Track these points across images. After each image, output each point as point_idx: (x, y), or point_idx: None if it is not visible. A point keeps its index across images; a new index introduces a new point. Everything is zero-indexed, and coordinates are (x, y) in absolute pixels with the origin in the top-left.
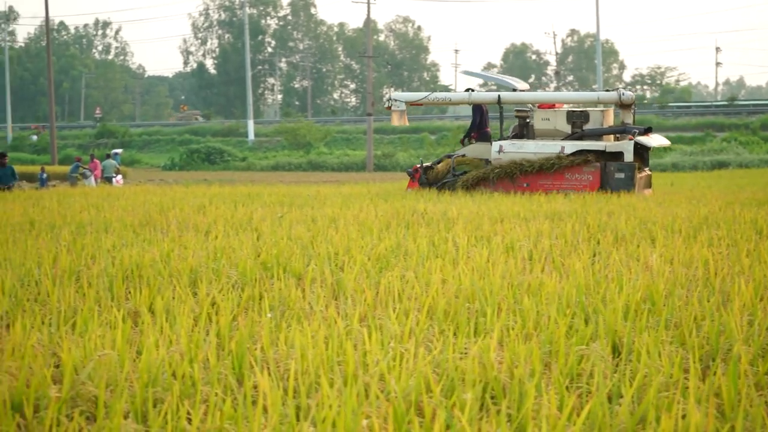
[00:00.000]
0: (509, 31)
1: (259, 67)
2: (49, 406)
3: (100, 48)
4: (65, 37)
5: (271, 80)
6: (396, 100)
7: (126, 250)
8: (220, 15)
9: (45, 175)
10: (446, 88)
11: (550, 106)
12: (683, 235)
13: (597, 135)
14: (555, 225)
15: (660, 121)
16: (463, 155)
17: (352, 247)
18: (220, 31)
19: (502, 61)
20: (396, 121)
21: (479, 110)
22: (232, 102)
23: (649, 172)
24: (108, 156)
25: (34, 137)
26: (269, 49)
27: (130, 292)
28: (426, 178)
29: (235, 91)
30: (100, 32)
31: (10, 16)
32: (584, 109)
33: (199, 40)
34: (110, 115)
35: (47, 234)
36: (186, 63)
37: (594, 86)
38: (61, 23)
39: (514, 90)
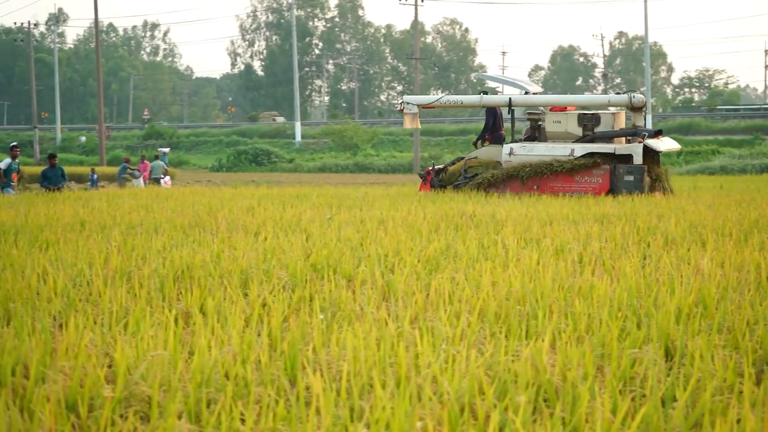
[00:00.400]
0: (557, 33)
1: (307, 68)
2: (103, 405)
3: (148, 50)
4: (114, 38)
5: (318, 82)
6: (408, 103)
7: (176, 250)
8: (267, 17)
9: (95, 176)
10: (494, 91)
11: (561, 108)
12: (734, 238)
13: (608, 138)
14: (604, 228)
15: (708, 124)
16: (476, 157)
17: (401, 249)
18: (267, 33)
19: (549, 63)
20: (408, 123)
21: (493, 113)
22: (280, 104)
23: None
24: (156, 157)
25: (83, 138)
26: (316, 51)
27: (181, 293)
28: (438, 180)
29: (283, 92)
30: (148, 34)
31: (59, 17)
32: (595, 112)
33: (247, 42)
34: (158, 117)
35: (98, 235)
36: (233, 64)
37: (642, 89)
38: (110, 25)
39: (526, 93)
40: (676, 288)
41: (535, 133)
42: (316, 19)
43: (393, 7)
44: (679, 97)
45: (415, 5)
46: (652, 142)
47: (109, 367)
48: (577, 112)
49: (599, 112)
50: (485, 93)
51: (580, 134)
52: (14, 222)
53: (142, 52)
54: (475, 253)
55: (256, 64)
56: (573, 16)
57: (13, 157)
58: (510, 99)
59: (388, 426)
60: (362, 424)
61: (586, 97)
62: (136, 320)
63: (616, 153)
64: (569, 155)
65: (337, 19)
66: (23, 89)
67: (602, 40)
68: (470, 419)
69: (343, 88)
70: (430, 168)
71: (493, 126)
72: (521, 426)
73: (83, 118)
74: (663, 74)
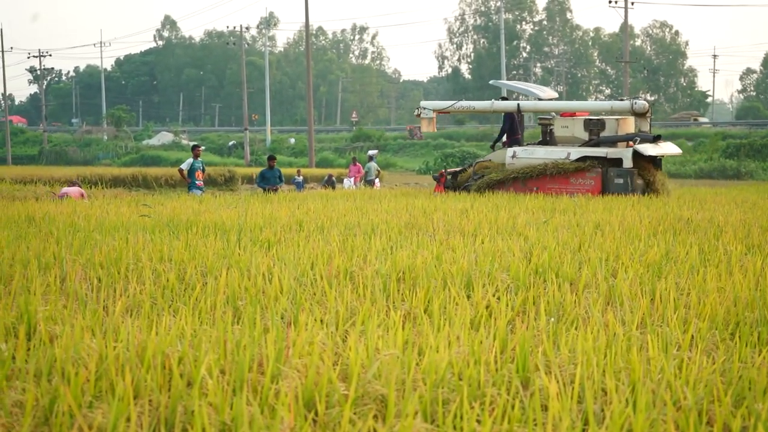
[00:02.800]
0: None
1: (514, 71)
2: (341, 403)
3: (356, 53)
4: (323, 42)
5: None
6: (425, 108)
7: (397, 252)
8: (475, 20)
9: (301, 178)
10: (704, 95)
11: (571, 114)
12: None
13: (611, 142)
14: None
15: None
16: (489, 160)
17: (621, 253)
18: (475, 36)
19: (761, 67)
20: (425, 127)
21: (510, 118)
22: None
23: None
24: (370, 158)
25: (292, 140)
26: (524, 54)
27: (404, 294)
28: (453, 182)
29: (490, 95)
30: (357, 37)
31: (270, 21)
32: (600, 117)
33: (455, 45)
34: (366, 119)
35: (317, 235)
36: (441, 68)
37: None
38: (320, 28)
39: (539, 99)
40: None
41: (546, 137)
42: (524, 22)
43: (602, 10)
44: None
45: (625, 8)
46: (641, 147)
47: (338, 365)
48: (584, 117)
49: (604, 117)
50: (505, 99)
51: (587, 138)
52: (235, 222)
53: (351, 55)
54: (696, 259)
55: (464, 68)
56: None
57: (196, 156)
58: (518, 105)
59: (630, 431)
60: (603, 429)
61: (590, 104)
62: (363, 320)
63: (608, 157)
64: (565, 158)
65: (545, 22)
66: (234, 92)
67: None
68: (707, 426)
69: None
70: (444, 171)
71: (511, 130)
72: None
73: (292, 120)
74: None
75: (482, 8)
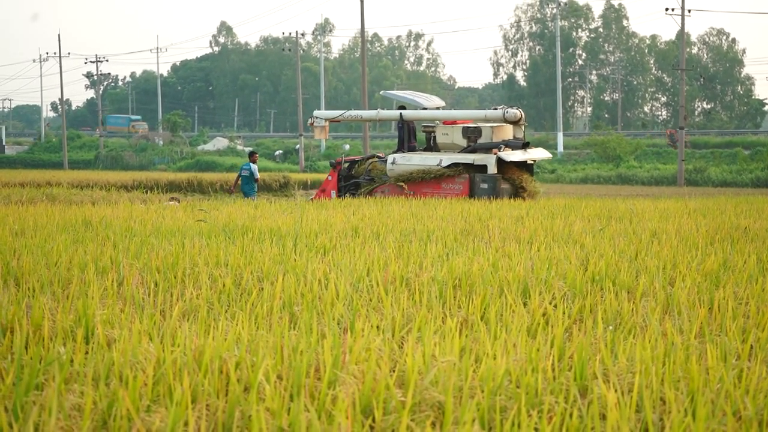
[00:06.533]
0: None
1: (569, 79)
2: (399, 410)
3: (412, 59)
4: (378, 48)
5: (581, 93)
6: (317, 117)
7: (452, 258)
8: (531, 27)
9: None
10: (761, 103)
11: (452, 122)
12: None
13: (485, 149)
14: None
15: None
16: (385, 161)
17: (678, 261)
18: (531, 43)
19: None
20: (318, 135)
21: (405, 127)
22: (542, 114)
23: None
24: None
25: (347, 146)
26: (580, 62)
27: (461, 301)
28: (347, 172)
29: (545, 103)
30: (412, 44)
31: (325, 28)
32: (477, 125)
33: (510, 52)
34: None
35: (372, 241)
36: (496, 75)
37: None
38: (375, 35)
39: (424, 109)
40: None
41: (430, 144)
42: (579, 30)
43: (658, 18)
44: None
45: (682, 15)
46: (503, 154)
47: (394, 372)
48: (462, 125)
49: (481, 125)
50: (403, 108)
51: (465, 145)
52: (291, 228)
53: (406, 61)
54: (755, 268)
55: (519, 75)
56: None
57: (254, 162)
58: (401, 114)
59: None
60: None
61: (467, 112)
62: (419, 327)
63: (475, 163)
64: (438, 165)
65: (601, 30)
66: (289, 97)
67: None
68: None
69: (606, 98)
70: (342, 158)
71: (408, 138)
72: None
73: (347, 127)
74: None
75: (538, 15)
